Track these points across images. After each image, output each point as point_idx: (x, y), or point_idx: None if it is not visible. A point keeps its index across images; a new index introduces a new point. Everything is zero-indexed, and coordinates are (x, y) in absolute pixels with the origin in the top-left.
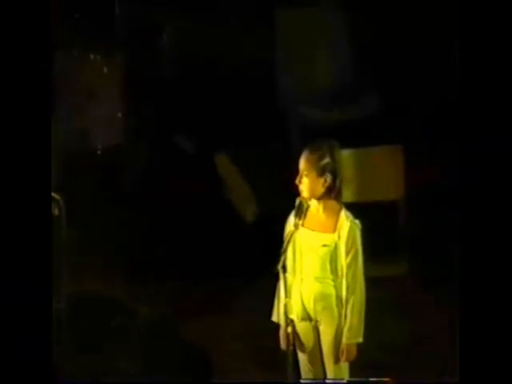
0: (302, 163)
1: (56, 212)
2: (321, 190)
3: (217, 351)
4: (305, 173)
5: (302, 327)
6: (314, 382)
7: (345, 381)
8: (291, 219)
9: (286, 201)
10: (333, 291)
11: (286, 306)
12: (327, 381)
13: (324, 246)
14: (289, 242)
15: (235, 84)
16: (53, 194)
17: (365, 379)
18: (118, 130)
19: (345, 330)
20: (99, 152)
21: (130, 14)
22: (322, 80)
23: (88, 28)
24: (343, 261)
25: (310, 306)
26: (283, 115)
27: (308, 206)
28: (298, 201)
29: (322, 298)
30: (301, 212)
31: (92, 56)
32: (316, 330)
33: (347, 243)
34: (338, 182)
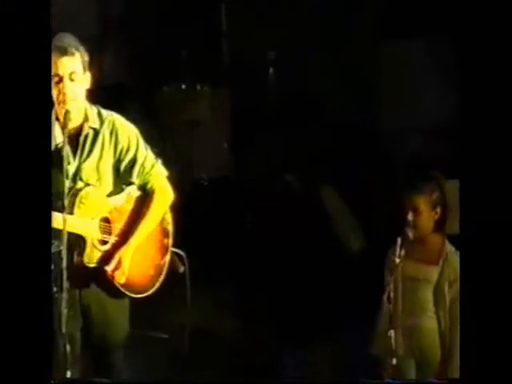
0: (414, 198)
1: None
2: (431, 223)
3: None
4: (417, 208)
5: (403, 360)
6: None
7: None
8: (396, 251)
9: (391, 232)
10: (435, 325)
11: (389, 337)
12: None
13: (427, 277)
14: (393, 273)
15: (339, 118)
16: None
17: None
18: (224, 161)
19: (449, 365)
20: (205, 183)
21: (236, 47)
22: (425, 113)
23: (195, 60)
24: (447, 293)
25: (412, 339)
26: (387, 148)
27: (413, 238)
28: (402, 232)
29: (425, 330)
30: (406, 244)
31: (199, 87)
32: (417, 363)
33: (451, 275)
34: (447, 214)
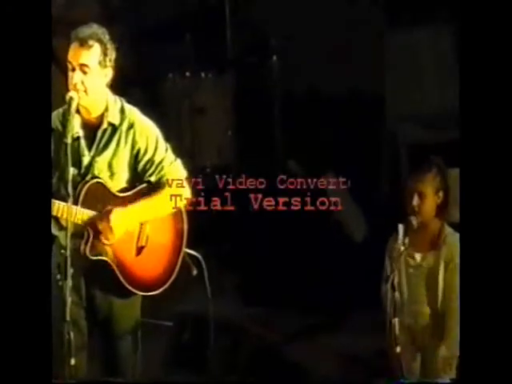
0: (418, 183)
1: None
2: (434, 207)
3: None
4: (422, 193)
5: (408, 347)
6: None
7: None
8: (399, 238)
9: (394, 220)
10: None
11: (394, 325)
12: None
13: (429, 263)
14: (397, 260)
15: (343, 104)
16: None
17: None
18: (228, 148)
19: (450, 344)
20: (208, 170)
21: (242, 34)
22: (430, 101)
23: (200, 48)
24: (449, 277)
25: (416, 324)
26: (391, 135)
27: (417, 225)
28: (407, 220)
29: (429, 316)
30: (410, 231)
31: (203, 74)
32: (423, 348)
33: (454, 258)
34: (449, 199)
